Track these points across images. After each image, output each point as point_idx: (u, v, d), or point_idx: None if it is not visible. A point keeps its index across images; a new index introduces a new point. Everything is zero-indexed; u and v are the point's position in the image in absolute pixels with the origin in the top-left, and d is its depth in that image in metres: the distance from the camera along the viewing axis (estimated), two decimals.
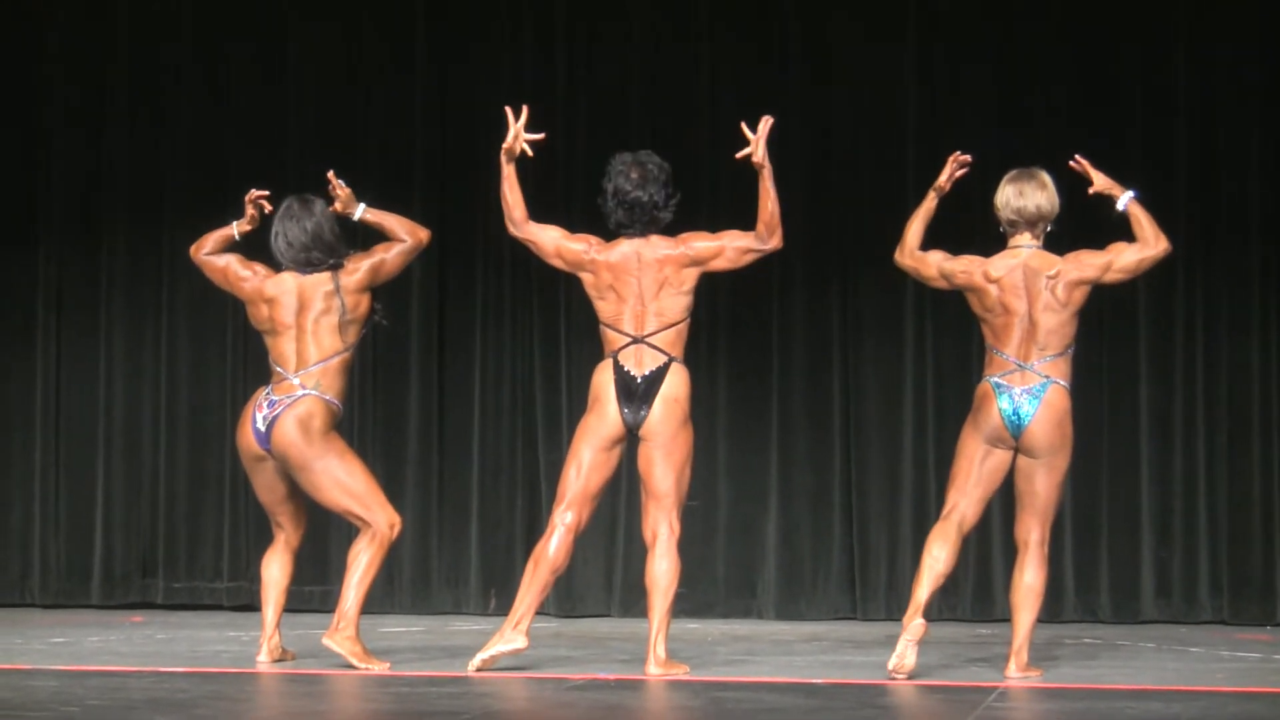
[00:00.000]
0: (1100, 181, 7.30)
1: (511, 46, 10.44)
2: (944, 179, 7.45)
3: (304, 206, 7.61)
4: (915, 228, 7.43)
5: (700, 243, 7.35)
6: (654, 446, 7.27)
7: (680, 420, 7.29)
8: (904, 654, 6.95)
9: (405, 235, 7.70)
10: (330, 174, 7.73)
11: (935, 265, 7.35)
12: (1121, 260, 7.19)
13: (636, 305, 7.30)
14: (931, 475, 9.85)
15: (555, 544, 7.30)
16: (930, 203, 7.44)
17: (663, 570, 7.24)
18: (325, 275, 7.56)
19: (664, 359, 7.29)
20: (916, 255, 7.40)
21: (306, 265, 7.57)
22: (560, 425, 10.15)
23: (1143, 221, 7.19)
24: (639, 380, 7.27)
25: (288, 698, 6.70)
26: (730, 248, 7.35)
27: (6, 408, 10.75)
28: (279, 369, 7.57)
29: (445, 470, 10.40)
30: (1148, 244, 7.18)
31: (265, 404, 7.51)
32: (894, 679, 6.92)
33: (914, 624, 6.95)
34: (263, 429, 7.49)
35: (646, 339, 7.30)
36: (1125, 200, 7.22)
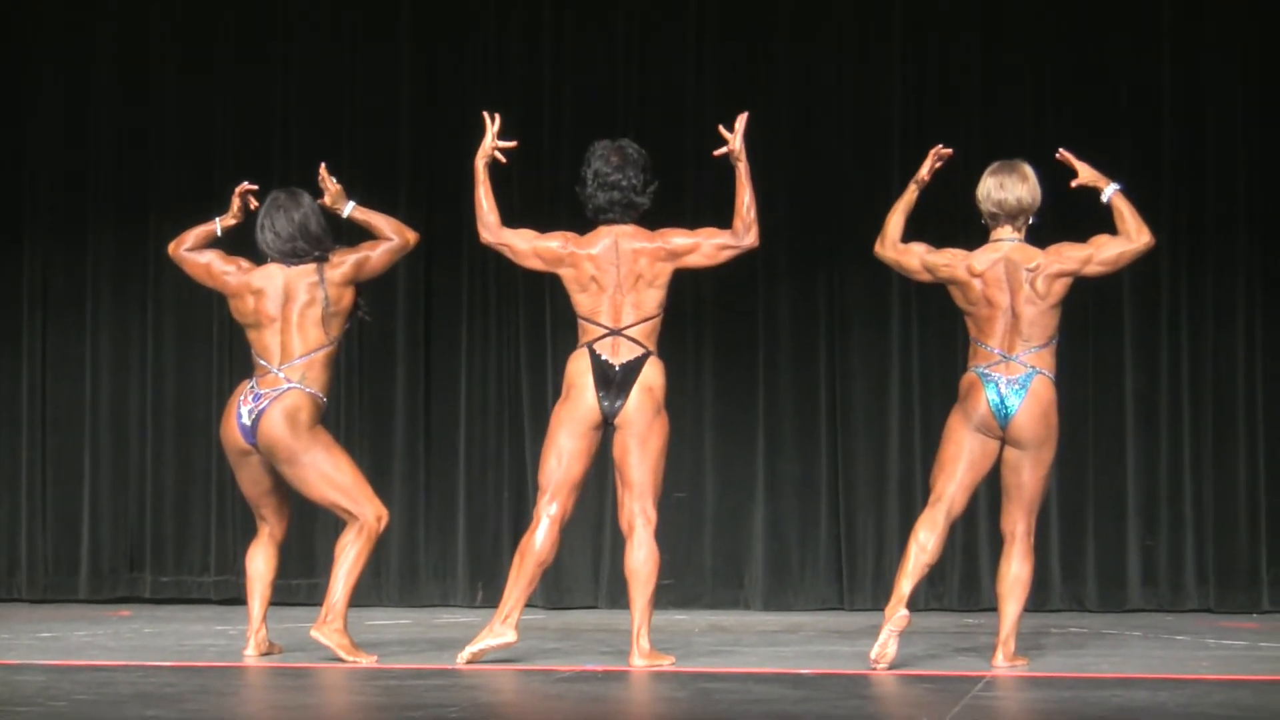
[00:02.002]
0: (1085, 174, 7.30)
1: (498, 41, 10.44)
2: (924, 171, 7.45)
3: (291, 198, 7.61)
4: (896, 220, 7.43)
5: (677, 238, 7.36)
6: (630, 435, 7.28)
7: (655, 409, 7.29)
8: (886, 644, 6.96)
9: (392, 234, 7.69)
10: (322, 167, 7.72)
11: (918, 257, 7.35)
12: (1103, 253, 7.19)
13: (615, 296, 7.31)
14: (918, 466, 9.86)
15: (541, 536, 7.30)
16: (911, 195, 7.45)
17: (641, 560, 7.24)
18: (310, 267, 7.56)
19: (641, 350, 7.30)
20: (899, 247, 7.40)
21: (292, 256, 7.56)
22: (546, 418, 10.06)
23: (1126, 215, 7.19)
24: (616, 368, 7.28)
25: (275, 691, 6.70)
26: (707, 244, 7.36)
27: None
28: (262, 362, 7.56)
29: (432, 463, 10.40)
30: (1130, 237, 7.18)
31: (250, 397, 7.50)
32: (875, 669, 6.94)
33: (898, 615, 6.96)
34: (248, 423, 7.49)
35: (623, 331, 7.31)
36: (1110, 192, 7.22)
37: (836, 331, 10.15)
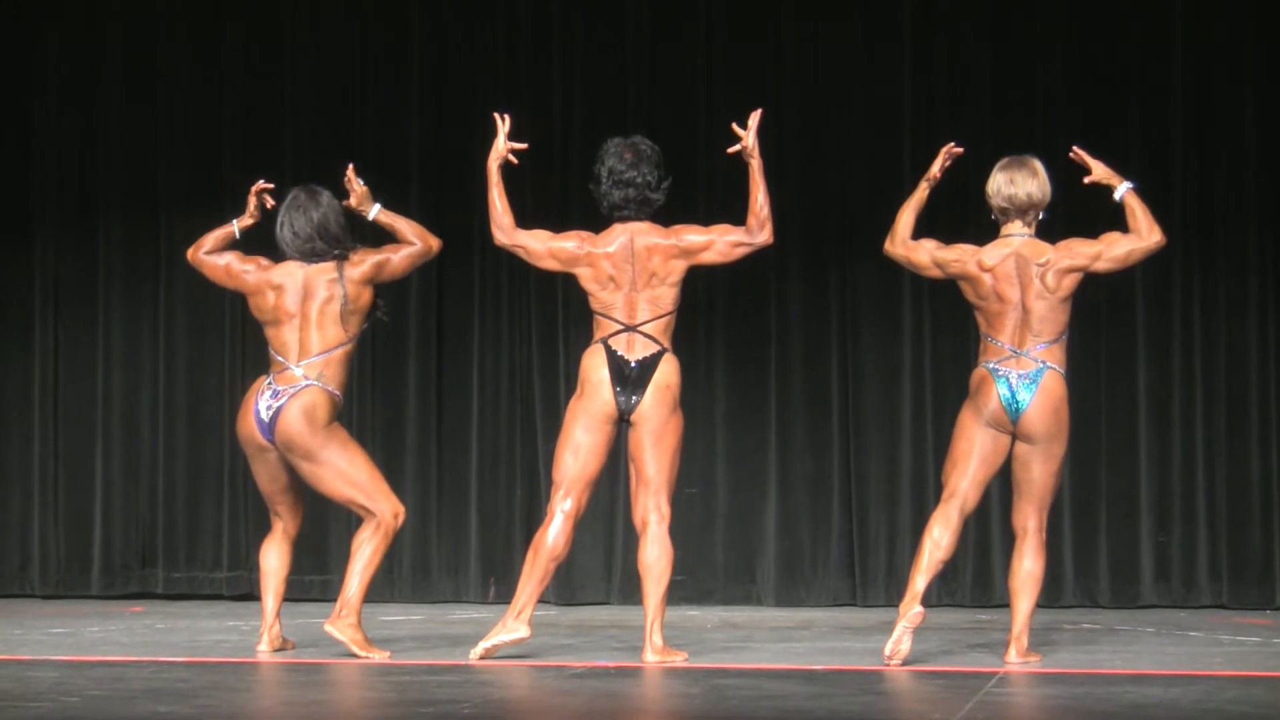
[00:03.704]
0: (1099, 171, 7.29)
1: (508, 37, 10.44)
2: (936, 169, 7.45)
3: (311, 198, 7.60)
4: (906, 217, 7.43)
5: (691, 235, 7.35)
6: (645, 432, 7.27)
7: (671, 407, 7.29)
8: (900, 640, 6.96)
9: (415, 239, 7.69)
10: (349, 169, 7.71)
11: (928, 253, 7.35)
12: (1112, 250, 7.19)
13: (630, 293, 7.31)
14: (930, 461, 9.86)
15: (555, 532, 7.30)
16: (921, 193, 7.44)
17: (654, 556, 7.24)
18: (330, 265, 7.56)
19: (656, 347, 7.29)
20: (909, 244, 7.40)
21: (311, 256, 7.56)
22: (558, 414, 10.08)
23: (1138, 213, 7.19)
24: (633, 365, 7.28)
25: (288, 687, 6.71)
26: (721, 241, 7.35)
27: (5, 400, 10.75)
28: (280, 358, 7.56)
29: (444, 460, 10.40)
30: (1140, 235, 7.18)
31: (268, 394, 7.50)
32: (889, 665, 6.94)
33: (912, 611, 6.95)
34: (266, 419, 7.49)
35: (639, 328, 7.31)
36: (1122, 190, 7.22)
37: (848, 328, 10.14)
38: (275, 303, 7.56)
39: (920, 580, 7.05)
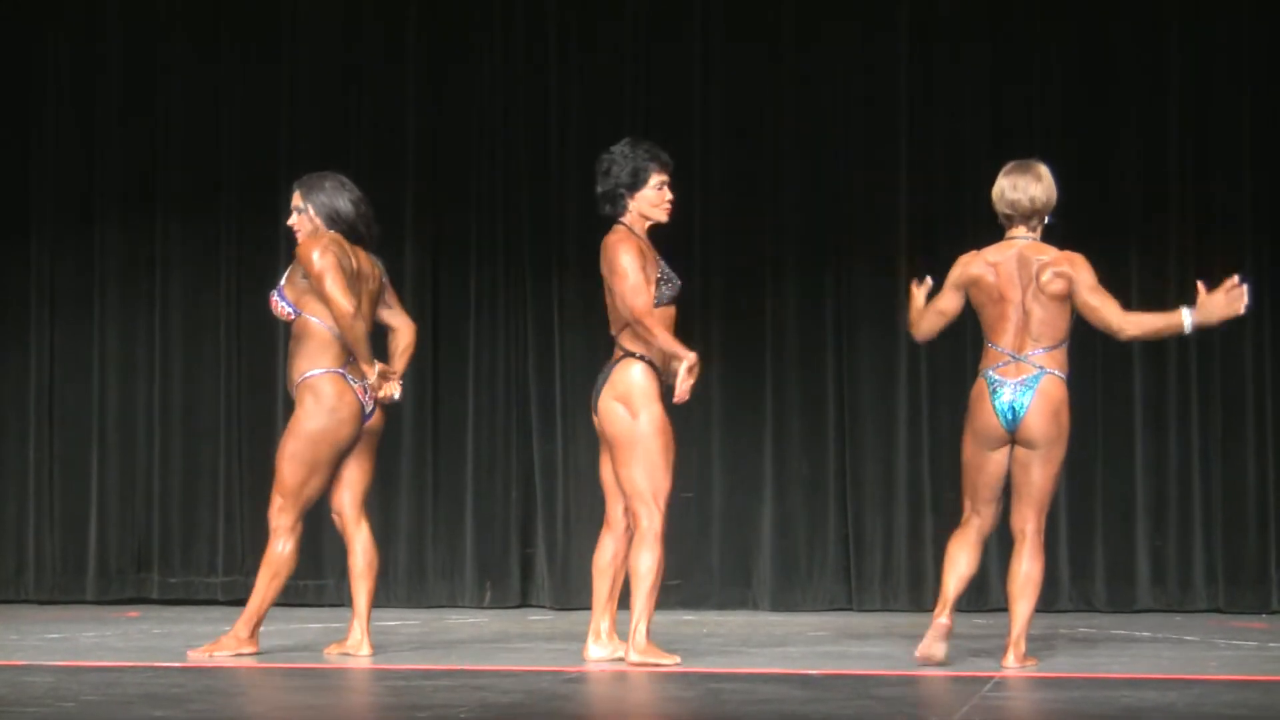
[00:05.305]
0: (1205, 310, 7.20)
1: (504, 37, 10.42)
2: (918, 297, 7.43)
3: (344, 180, 7.66)
4: (916, 316, 7.40)
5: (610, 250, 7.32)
6: (610, 445, 7.28)
7: (625, 415, 7.20)
8: (931, 644, 7.05)
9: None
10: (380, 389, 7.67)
11: (946, 297, 7.32)
12: (1094, 301, 7.14)
13: (609, 299, 7.36)
14: (926, 464, 9.86)
15: (600, 547, 7.42)
16: (918, 298, 7.41)
17: (631, 559, 7.23)
18: (370, 256, 7.64)
19: (618, 354, 7.29)
20: (928, 314, 7.36)
21: (363, 240, 7.63)
22: (554, 418, 10.14)
23: (1146, 316, 7.24)
24: (599, 378, 7.31)
25: (282, 692, 6.71)
26: (614, 283, 7.26)
27: (0, 402, 10.74)
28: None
29: (440, 463, 10.38)
30: (1122, 317, 7.16)
31: (361, 389, 7.53)
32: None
33: (939, 621, 7.06)
34: (369, 411, 7.59)
35: (615, 337, 7.33)
36: (1188, 317, 7.16)
37: (844, 330, 10.12)
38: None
39: (950, 590, 7.20)
